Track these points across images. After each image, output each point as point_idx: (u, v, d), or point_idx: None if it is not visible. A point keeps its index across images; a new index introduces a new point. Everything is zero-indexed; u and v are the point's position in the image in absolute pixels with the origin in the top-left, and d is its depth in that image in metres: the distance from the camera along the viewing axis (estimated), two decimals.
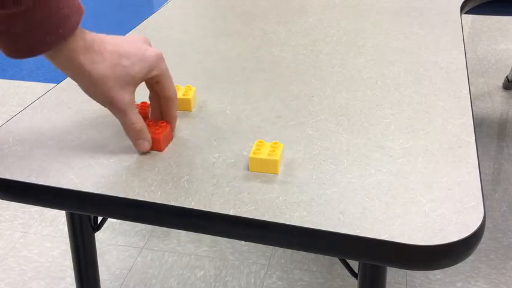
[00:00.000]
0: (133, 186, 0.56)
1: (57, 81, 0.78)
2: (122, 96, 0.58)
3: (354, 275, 0.64)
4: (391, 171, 0.57)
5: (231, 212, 0.52)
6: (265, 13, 1.03)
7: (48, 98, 0.73)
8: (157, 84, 0.61)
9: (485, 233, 1.44)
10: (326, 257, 1.36)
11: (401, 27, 0.95)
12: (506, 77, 2.18)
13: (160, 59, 0.60)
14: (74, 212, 0.72)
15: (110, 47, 0.57)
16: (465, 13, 1.14)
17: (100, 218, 0.80)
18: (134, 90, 0.59)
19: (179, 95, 0.69)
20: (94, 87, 0.56)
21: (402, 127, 0.65)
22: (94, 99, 0.58)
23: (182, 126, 0.66)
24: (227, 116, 0.68)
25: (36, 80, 2.36)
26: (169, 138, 0.63)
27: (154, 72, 0.60)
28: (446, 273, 1.32)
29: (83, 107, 0.71)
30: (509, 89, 2.17)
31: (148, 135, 0.60)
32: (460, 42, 0.88)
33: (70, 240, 0.80)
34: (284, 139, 0.63)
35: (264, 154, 0.57)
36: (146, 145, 0.60)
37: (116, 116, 0.59)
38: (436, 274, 1.31)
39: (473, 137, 0.63)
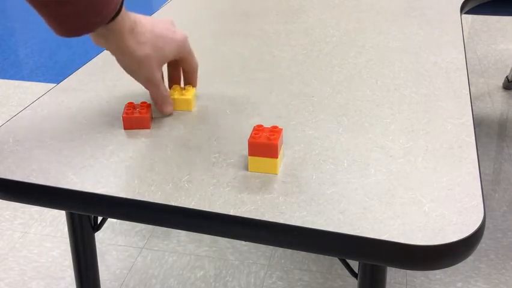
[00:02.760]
0: (133, 186, 0.56)
1: (57, 81, 0.78)
2: (157, 74, 0.65)
3: (354, 275, 0.64)
4: (391, 171, 0.57)
5: (231, 212, 0.52)
6: (265, 13, 1.03)
7: (49, 98, 0.73)
8: (182, 61, 0.69)
9: (485, 233, 1.44)
10: (326, 257, 1.36)
11: (401, 27, 0.95)
12: (506, 77, 2.18)
13: (185, 40, 0.68)
14: (74, 212, 0.72)
15: (149, 27, 0.64)
16: (465, 13, 1.14)
17: (100, 218, 0.80)
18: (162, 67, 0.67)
19: (179, 95, 0.69)
20: (138, 66, 0.64)
21: (402, 127, 0.65)
22: (134, 76, 0.66)
23: (182, 126, 0.66)
24: (227, 116, 0.68)
25: (36, 80, 2.36)
26: (282, 141, 0.61)
27: (181, 54, 0.68)
28: (446, 273, 1.32)
29: (83, 107, 0.71)
30: (509, 89, 2.17)
31: (171, 100, 0.68)
32: (460, 42, 0.88)
33: (70, 240, 0.80)
34: (284, 139, 0.63)
35: None
36: (170, 108, 0.68)
37: (149, 89, 0.67)
38: (436, 274, 1.32)
39: (473, 137, 0.63)
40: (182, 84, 0.73)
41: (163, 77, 0.70)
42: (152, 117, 0.68)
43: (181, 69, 0.71)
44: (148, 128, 0.66)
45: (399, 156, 0.59)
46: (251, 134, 0.57)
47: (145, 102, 0.67)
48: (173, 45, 0.66)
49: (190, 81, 0.72)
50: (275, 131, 0.57)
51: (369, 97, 0.72)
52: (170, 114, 0.69)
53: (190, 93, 0.70)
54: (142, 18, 0.64)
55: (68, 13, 0.55)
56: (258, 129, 0.58)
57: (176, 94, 0.70)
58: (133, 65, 0.64)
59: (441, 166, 0.58)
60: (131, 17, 0.61)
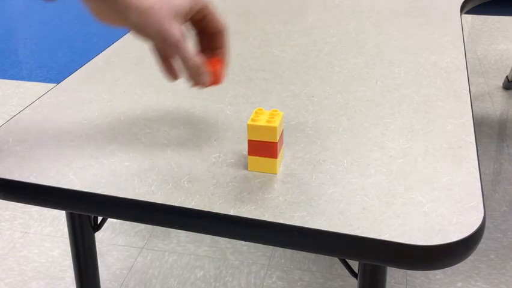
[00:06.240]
0: (133, 186, 0.56)
1: (57, 81, 0.78)
2: (173, 27, 0.54)
3: (354, 275, 0.64)
4: (391, 171, 0.57)
5: (231, 212, 0.52)
6: (265, 13, 1.03)
7: (48, 98, 0.73)
8: (204, 19, 0.58)
9: (485, 233, 1.44)
10: (326, 257, 1.36)
11: (401, 27, 0.95)
12: (506, 77, 2.18)
13: None
14: (74, 212, 0.72)
15: None
16: (465, 13, 1.14)
17: (100, 218, 0.80)
18: (182, 25, 0.55)
19: (264, 122, 0.58)
20: (143, 20, 0.54)
21: (402, 127, 0.65)
22: (145, 36, 0.55)
23: (182, 126, 0.66)
24: (227, 116, 0.68)
25: (36, 80, 2.36)
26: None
27: (199, 5, 0.57)
28: (446, 273, 1.32)
29: (83, 107, 0.71)
30: (509, 89, 2.17)
31: (206, 69, 0.57)
32: (460, 42, 0.88)
33: (70, 240, 0.80)
34: (284, 139, 0.63)
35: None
36: (208, 78, 0.57)
37: (173, 52, 0.55)
38: (436, 274, 1.32)
39: (473, 137, 0.63)
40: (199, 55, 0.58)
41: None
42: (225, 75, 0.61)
43: (206, 33, 0.60)
44: (219, 83, 0.60)
45: (399, 156, 0.59)
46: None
47: (216, 56, 0.61)
48: None
49: (219, 46, 0.60)
50: None
51: (369, 97, 0.72)
52: (205, 86, 0.58)
53: (276, 120, 0.56)
54: None
55: None
56: None
57: (259, 120, 0.56)
58: (138, 21, 0.54)
59: (441, 166, 0.58)
60: None
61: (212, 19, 0.58)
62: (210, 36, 0.60)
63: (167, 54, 0.57)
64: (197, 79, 0.57)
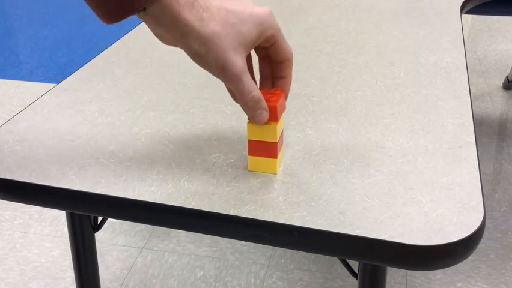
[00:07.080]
0: (133, 186, 0.56)
1: (57, 81, 0.78)
2: (235, 59, 0.50)
3: (354, 275, 0.64)
4: (391, 171, 0.57)
5: (231, 212, 0.52)
6: None
7: (49, 98, 0.73)
8: (272, 46, 0.54)
9: (485, 233, 1.44)
10: (326, 257, 1.36)
11: (401, 27, 0.95)
12: (506, 77, 2.18)
13: (271, 16, 0.53)
14: (74, 212, 0.72)
15: (214, 2, 0.51)
16: (465, 13, 1.14)
17: (100, 218, 0.80)
18: (246, 55, 0.52)
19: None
20: (204, 48, 0.50)
21: (402, 127, 0.65)
22: (204, 65, 0.51)
23: (182, 126, 0.66)
24: (227, 116, 0.68)
25: (36, 80, 2.36)
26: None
27: (269, 33, 0.53)
28: (446, 273, 1.32)
29: (83, 107, 0.71)
30: (509, 89, 2.17)
31: (265, 104, 0.53)
32: (460, 42, 0.88)
33: (70, 240, 0.80)
34: (284, 139, 0.63)
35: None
36: (265, 115, 0.54)
37: (230, 85, 0.52)
38: (436, 274, 1.32)
39: (473, 137, 0.63)
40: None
41: (253, 75, 0.56)
42: (285, 108, 0.58)
43: (271, 60, 0.56)
44: (277, 121, 0.55)
45: (399, 156, 0.59)
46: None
47: (277, 89, 0.57)
48: (253, 21, 0.51)
49: (283, 75, 0.56)
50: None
51: (369, 97, 0.72)
52: (261, 123, 0.54)
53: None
54: None
55: None
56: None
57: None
58: (198, 50, 0.50)
59: (442, 166, 0.58)
60: None
61: (279, 47, 0.55)
62: (273, 64, 0.56)
63: (226, 83, 0.53)
64: (253, 114, 0.53)
